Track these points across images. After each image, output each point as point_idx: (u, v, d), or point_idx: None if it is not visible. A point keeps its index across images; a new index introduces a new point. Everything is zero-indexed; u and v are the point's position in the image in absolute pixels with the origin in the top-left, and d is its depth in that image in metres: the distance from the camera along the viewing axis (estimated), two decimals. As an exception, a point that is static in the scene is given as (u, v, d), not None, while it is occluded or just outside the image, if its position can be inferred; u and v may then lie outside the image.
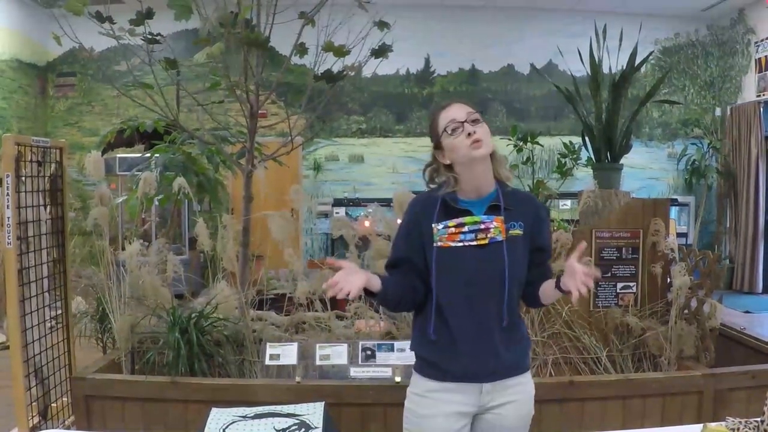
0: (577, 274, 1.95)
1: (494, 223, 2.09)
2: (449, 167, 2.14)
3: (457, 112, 2.09)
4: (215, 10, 3.67)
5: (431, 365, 2.17)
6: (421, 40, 9.74)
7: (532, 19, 9.98)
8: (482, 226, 2.09)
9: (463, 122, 2.06)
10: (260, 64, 3.96)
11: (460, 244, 2.08)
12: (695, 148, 10.08)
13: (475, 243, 2.08)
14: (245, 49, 3.80)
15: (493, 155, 2.13)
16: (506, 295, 2.09)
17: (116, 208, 7.07)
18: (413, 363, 2.26)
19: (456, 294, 2.09)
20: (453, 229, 2.09)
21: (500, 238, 2.09)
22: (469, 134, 2.04)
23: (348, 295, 1.93)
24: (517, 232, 2.13)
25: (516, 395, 2.16)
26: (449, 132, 2.07)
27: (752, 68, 9.50)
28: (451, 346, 2.11)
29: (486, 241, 2.08)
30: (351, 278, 1.96)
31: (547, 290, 2.18)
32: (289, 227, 3.80)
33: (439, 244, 2.10)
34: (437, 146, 2.15)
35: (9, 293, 3.32)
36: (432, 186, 2.22)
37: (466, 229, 2.09)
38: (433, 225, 2.11)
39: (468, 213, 2.11)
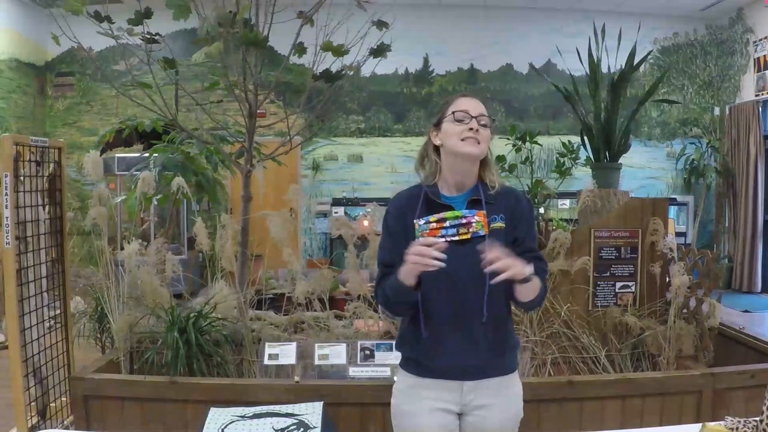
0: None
1: (476, 218, 2.06)
2: (437, 151, 2.15)
3: (473, 107, 2.10)
4: (214, 10, 3.67)
5: (413, 362, 2.17)
6: (419, 39, 9.75)
7: (530, 18, 9.99)
8: (464, 221, 2.06)
9: (472, 117, 2.07)
10: (259, 63, 3.96)
11: (442, 239, 2.03)
12: (694, 148, 10.08)
13: (456, 238, 2.05)
14: (244, 48, 3.80)
15: (484, 161, 2.14)
16: (487, 290, 2.05)
17: (115, 207, 7.06)
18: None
19: (437, 290, 2.07)
20: (434, 224, 2.07)
21: (483, 232, 2.06)
22: (471, 129, 2.05)
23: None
24: (500, 225, 2.10)
25: (500, 397, 2.14)
26: (456, 119, 2.08)
27: (751, 67, 9.50)
28: (432, 343, 2.10)
29: (468, 236, 2.05)
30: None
31: (517, 292, 2.06)
32: (287, 227, 3.80)
33: (420, 240, 2.06)
34: (437, 125, 2.15)
35: (8, 293, 3.32)
36: (421, 170, 2.22)
37: (447, 224, 2.06)
38: (414, 221, 2.10)
39: (449, 208, 2.09)
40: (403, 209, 2.15)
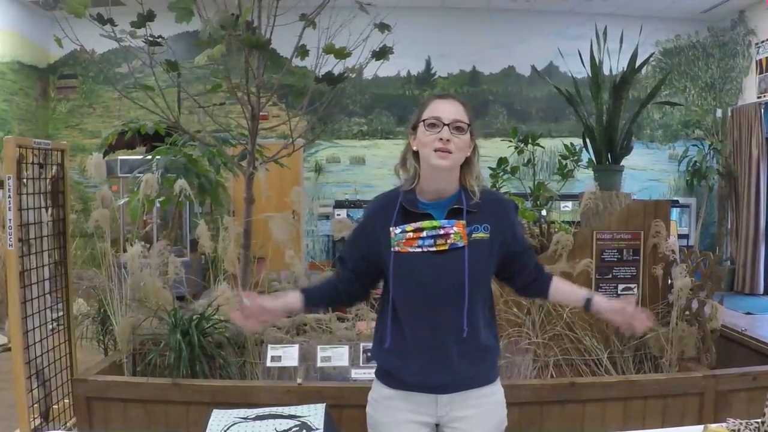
0: (635, 317, 2.07)
1: (455, 228, 1.97)
2: (416, 156, 2.04)
3: (446, 111, 1.98)
4: (216, 13, 3.67)
5: (386, 373, 2.12)
6: (422, 41, 9.75)
7: (532, 20, 9.98)
8: (441, 232, 1.97)
9: (444, 124, 1.95)
10: (261, 66, 3.96)
11: (419, 249, 1.98)
12: (696, 150, 10.08)
13: (434, 249, 1.97)
14: (246, 51, 3.80)
15: (466, 165, 2.04)
16: (466, 304, 1.97)
17: (117, 210, 7.08)
18: None
19: (412, 301, 2.00)
20: (411, 234, 1.99)
21: (461, 243, 1.97)
22: (441, 139, 1.94)
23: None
24: (482, 235, 2.01)
25: (479, 407, 2.08)
26: (426, 126, 1.97)
27: (753, 70, 9.50)
28: (406, 355, 2.03)
29: (446, 247, 1.97)
30: (256, 319, 2.11)
31: (564, 298, 2.21)
32: (290, 229, 3.80)
33: (396, 249, 2.00)
34: (414, 128, 2.06)
35: (10, 295, 3.33)
36: (402, 172, 2.13)
37: (424, 234, 1.98)
38: (390, 228, 2.01)
39: (428, 217, 2.00)
40: (377, 215, 2.09)
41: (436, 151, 1.95)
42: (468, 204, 2.02)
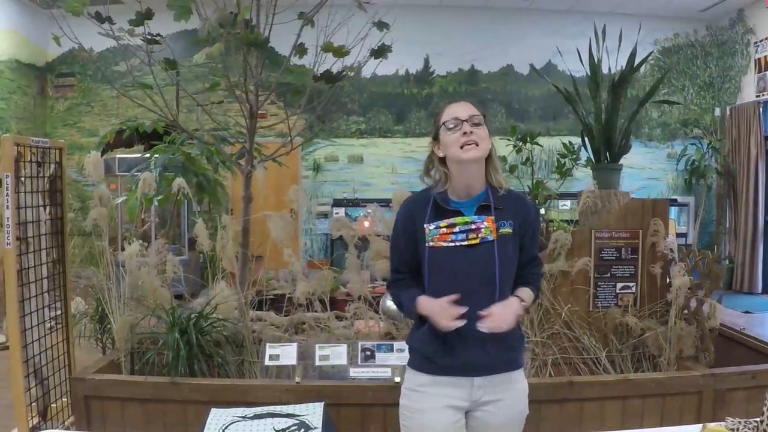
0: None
1: (485, 223, 2.12)
2: (443, 161, 2.18)
3: (461, 110, 2.13)
4: (215, 11, 3.67)
5: (424, 359, 2.20)
6: (420, 40, 9.75)
7: (531, 19, 9.98)
8: (473, 226, 2.12)
9: (463, 121, 2.10)
10: (259, 64, 3.96)
11: (452, 244, 2.12)
12: (695, 149, 10.08)
13: (466, 243, 2.12)
14: (245, 49, 3.80)
15: (489, 160, 2.17)
16: (497, 293, 2.11)
17: (115, 208, 7.06)
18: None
19: (447, 292, 2.10)
20: (444, 230, 2.13)
21: (491, 237, 2.12)
22: (465, 133, 2.08)
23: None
24: (507, 230, 2.15)
25: (507, 392, 2.18)
26: (448, 127, 2.12)
27: (751, 68, 9.50)
28: (444, 341, 2.13)
29: (477, 241, 2.11)
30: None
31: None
32: (288, 228, 3.80)
33: (430, 244, 2.13)
34: (435, 138, 2.20)
35: (8, 294, 3.32)
36: (427, 179, 2.27)
37: (457, 229, 2.12)
38: (425, 225, 2.15)
39: (459, 213, 2.14)
40: (412, 213, 2.21)
41: (462, 147, 2.09)
42: (495, 201, 2.16)
